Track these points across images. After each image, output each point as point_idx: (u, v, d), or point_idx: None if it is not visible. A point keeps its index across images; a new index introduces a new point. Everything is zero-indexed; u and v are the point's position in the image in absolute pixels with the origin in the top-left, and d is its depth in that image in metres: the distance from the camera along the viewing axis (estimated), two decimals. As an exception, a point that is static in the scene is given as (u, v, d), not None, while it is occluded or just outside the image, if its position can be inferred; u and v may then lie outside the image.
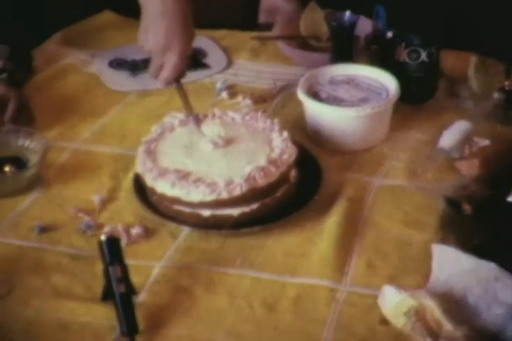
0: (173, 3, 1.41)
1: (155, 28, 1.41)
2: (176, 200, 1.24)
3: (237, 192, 1.21)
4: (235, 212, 1.24)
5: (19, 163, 1.37)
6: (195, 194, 1.22)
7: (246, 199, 1.23)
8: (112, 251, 1.10)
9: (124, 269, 1.09)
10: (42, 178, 1.37)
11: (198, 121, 1.36)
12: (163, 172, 1.25)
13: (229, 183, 1.22)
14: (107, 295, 1.08)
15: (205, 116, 1.38)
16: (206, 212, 1.24)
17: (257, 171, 1.23)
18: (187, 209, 1.25)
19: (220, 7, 1.92)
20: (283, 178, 1.27)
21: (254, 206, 1.25)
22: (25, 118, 1.47)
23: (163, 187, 1.24)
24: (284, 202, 1.28)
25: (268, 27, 1.83)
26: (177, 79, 1.43)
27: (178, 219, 1.26)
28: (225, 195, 1.21)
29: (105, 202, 1.31)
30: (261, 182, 1.23)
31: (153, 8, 1.42)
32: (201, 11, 1.87)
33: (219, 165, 1.26)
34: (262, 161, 1.25)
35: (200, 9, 1.86)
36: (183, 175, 1.24)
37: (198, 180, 1.23)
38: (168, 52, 1.40)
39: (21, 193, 1.34)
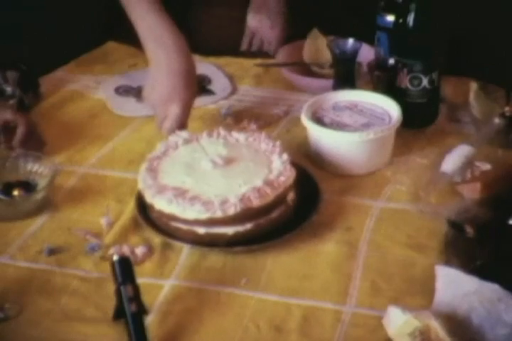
0: (178, 65, 1.49)
1: (159, 85, 1.50)
2: (173, 217, 1.26)
3: (231, 211, 1.23)
4: (229, 230, 1.26)
5: (28, 187, 1.39)
6: (191, 211, 1.24)
7: (240, 218, 1.25)
8: (124, 270, 1.11)
9: (136, 289, 1.11)
10: (50, 202, 1.39)
11: None
12: (161, 190, 1.27)
13: (224, 202, 1.23)
14: (119, 315, 1.09)
15: (210, 134, 1.41)
16: (201, 230, 1.26)
17: (252, 192, 1.25)
18: (184, 227, 1.27)
19: (222, 35, 1.96)
20: (279, 200, 1.28)
21: (249, 226, 1.26)
22: (34, 143, 1.49)
23: (160, 203, 1.27)
24: (279, 224, 1.29)
25: (250, 54, 1.90)
26: (179, 129, 1.47)
27: (176, 236, 1.28)
28: (219, 214, 1.23)
29: (112, 225, 1.33)
30: (256, 202, 1.24)
31: (159, 67, 1.50)
32: (205, 39, 1.92)
33: (216, 184, 1.28)
34: (259, 182, 1.27)
35: (204, 37, 1.91)
36: (181, 193, 1.26)
37: (194, 198, 1.25)
38: (171, 105, 1.48)
39: (30, 216, 1.35)
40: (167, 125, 1.48)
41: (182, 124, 1.49)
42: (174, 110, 1.47)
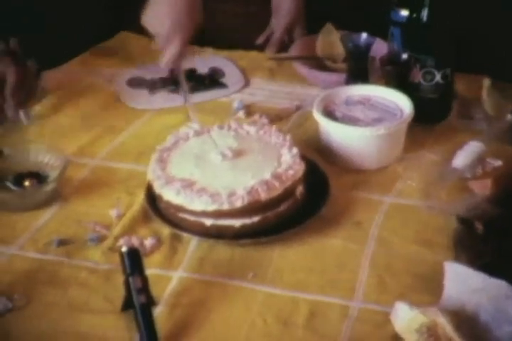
0: None
1: (162, 15, 1.48)
2: (181, 208, 1.27)
3: (238, 203, 1.23)
4: (236, 223, 1.26)
5: (39, 178, 1.39)
6: (198, 203, 1.24)
7: (247, 211, 1.25)
8: (133, 262, 1.12)
9: (145, 280, 1.11)
10: (60, 193, 1.39)
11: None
12: (170, 180, 1.28)
13: (231, 195, 1.24)
14: (127, 306, 1.10)
15: (221, 126, 1.41)
16: (208, 222, 1.26)
17: (260, 185, 1.25)
18: (191, 218, 1.27)
19: (236, 29, 1.96)
20: (287, 193, 1.28)
21: (256, 219, 1.27)
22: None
23: (168, 194, 1.27)
24: (287, 217, 1.29)
25: (263, 48, 1.89)
26: (178, 63, 1.49)
27: (183, 227, 1.28)
28: (226, 206, 1.23)
29: (122, 217, 1.33)
30: (263, 195, 1.25)
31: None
32: (219, 34, 1.92)
33: (225, 176, 1.29)
34: (267, 175, 1.27)
35: (218, 31, 1.92)
36: (189, 184, 1.26)
37: (201, 190, 1.25)
38: (172, 37, 1.47)
39: (40, 208, 1.36)
40: (166, 57, 1.49)
41: (181, 57, 1.49)
42: (174, 43, 1.47)
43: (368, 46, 1.56)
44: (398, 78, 1.54)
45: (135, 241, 1.26)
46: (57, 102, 1.68)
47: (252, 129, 1.40)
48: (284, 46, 1.89)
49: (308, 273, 1.21)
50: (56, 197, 1.38)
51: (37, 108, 1.64)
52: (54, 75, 1.76)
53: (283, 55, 1.83)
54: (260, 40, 1.93)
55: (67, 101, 1.69)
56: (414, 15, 1.49)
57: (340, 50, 1.66)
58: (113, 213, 1.34)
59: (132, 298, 1.10)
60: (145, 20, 1.52)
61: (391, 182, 1.41)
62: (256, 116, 1.60)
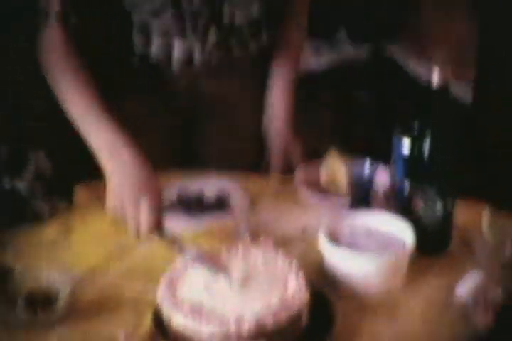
0: (134, 167, 1.57)
1: (120, 191, 1.55)
2: (188, 332, 1.29)
3: (245, 329, 1.26)
4: None
5: (49, 297, 1.41)
6: (206, 327, 1.27)
7: (253, 336, 1.27)
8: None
9: None
10: (69, 313, 1.41)
11: (202, 259, 1.43)
12: (178, 304, 1.31)
13: (238, 320, 1.27)
14: None
15: (228, 252, 1.45)
16: None
17: (267, 311, 1.28)
18: None
19: (240, 152, 2.02)
20: (293, 320, 1.31)
21: None
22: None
23: (177, 318, 1.30)
24: (293, 343, 1.32)
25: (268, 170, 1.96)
26: (157, 229, 1.52)
27: None
28: (233, 331, 1.26)
29: (130, 338, 1.34)
30: (269, 322, 1.28)
31: (116, 177, 1.57)
32: (222, 156, 1.97)
33: (233, 301, 1.32)
34: (274, 302, 1.31)
35: (221, 154, 1.97)
36: (197, 308, 1.30)
37: (209, 314, 1.28)
38: (140, 206, 1.50)
39: (49, 327, 1.37)
40: (143, 226, 1.50)
41: (158, 223, 1.51)
42: (145, 210, 1.50)
43: (372, 174, 1.61)
44: (400, 207, 1.58)
45: (142, 365, 1.28)
46: (67, 222, 1.72)
47: (258, 254, 1.44)
48: (287, 168, 1.94)
49: None
50: (65, 316, 1.40)
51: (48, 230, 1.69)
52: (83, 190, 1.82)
53: (287, 178, 1.88)
54: (263, 166, 1.98)
55: (78, 222, 1.72)
56: (416, 146, 1.53)
57: (343, 177, 1.71)
58: (121, 334, 1.35)
59: None
60: (108, 207, 1.58)
61: (394, 309, 1.43)
62: (261, 240, 1.63)
